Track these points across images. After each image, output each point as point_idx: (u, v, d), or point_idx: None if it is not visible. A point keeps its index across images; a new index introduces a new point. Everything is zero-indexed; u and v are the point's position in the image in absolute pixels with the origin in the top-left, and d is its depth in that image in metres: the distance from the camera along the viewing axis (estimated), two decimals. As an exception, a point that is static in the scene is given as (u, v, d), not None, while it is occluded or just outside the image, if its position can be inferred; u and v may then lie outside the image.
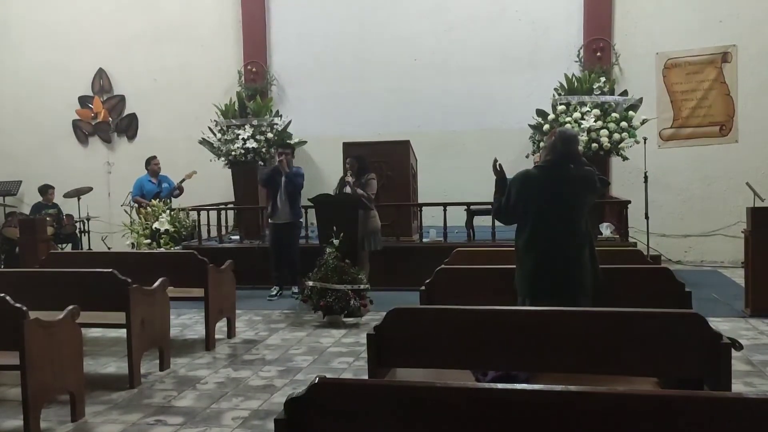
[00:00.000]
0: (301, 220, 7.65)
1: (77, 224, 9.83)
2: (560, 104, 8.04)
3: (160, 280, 4.94)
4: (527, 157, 9.64)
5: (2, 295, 3.61)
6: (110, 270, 4.62)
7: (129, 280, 4.58)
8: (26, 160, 11.45)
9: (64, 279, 4.66)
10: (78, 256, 6.81)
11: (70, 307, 3.92)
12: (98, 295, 4.54)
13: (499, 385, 2.10)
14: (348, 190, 6.94)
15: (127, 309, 4.56)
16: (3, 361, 3.63)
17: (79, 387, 3.97)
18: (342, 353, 5.38)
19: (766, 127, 9.18)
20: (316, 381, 2.03)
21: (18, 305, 3.57)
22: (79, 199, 9.84)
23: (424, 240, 8.19)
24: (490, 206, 7.74)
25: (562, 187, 3.81)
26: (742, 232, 6.51)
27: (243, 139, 8.88)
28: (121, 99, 11.41)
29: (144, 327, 4.68)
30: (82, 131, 11.54)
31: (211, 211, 9.01)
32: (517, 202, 3.85)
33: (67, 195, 9.86)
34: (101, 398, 4.34)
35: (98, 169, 11.42)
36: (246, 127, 9.01)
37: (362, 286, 6.32)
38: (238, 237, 8.96)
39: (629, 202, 7.87)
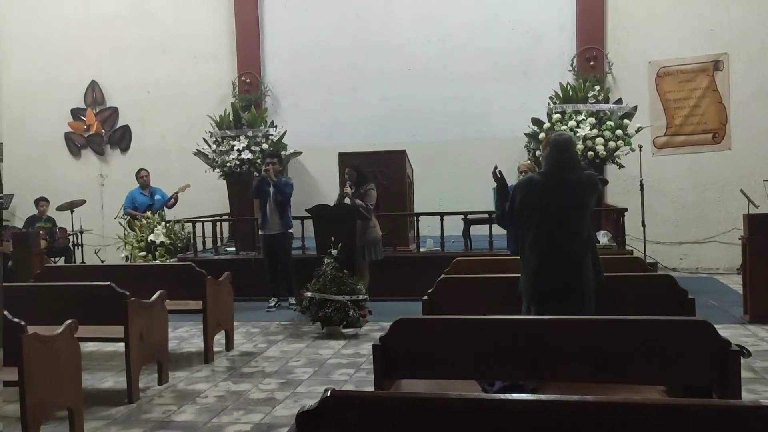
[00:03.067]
0: (291, 230, 7.57)
1: (70, 237, 9.74)
2: (555, 113, 8.06)
3: (158, 292, 4.89)
4: (521, 166, 9.68)
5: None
6: (108, 283, 4.56)
7: (127, 293, 4.52)
8: (18, 173, 11.36)
9: (61, 293, 4.60)
10: (74, 269, 6.71)
11: (69, 321, 3.87)
12: (96, 308, 4.47)
13: (510, 396, 2.08)
14: (347, 201, 6.91)
15: (126, 322, 4.50)
16: (1, 377, 3.56)
17: (77, 403, 3.90)
18: (342, 365, 5.33)
19: (759, 134, 9.23)
20: (328, 394, 2.00)
21: (16, 320, 3.52)
22: (72, 211, 9.77)
23: (422, 250, 8.16)
24: (486, 215, 7.83)
25: (564, 192, 3.86)
26: (739, 238, 6.52)
27: (238, 150, 8.86)
28: (114, 111, 11.36)
29: (143, 340, 4.62)
30: (75, 143, 11.47)
31: (206, 223, 8.97)
32: (521, 207, 3.91)
33: (60, 208, 9.78)
34: (99, 414, 4.27)
35: (91, 181, 11.34)
36: (241, 138, 8.99)
37: (361, 297, 6.29)
38: (233, 248, 8.90)
39: (626, 209, 7.89)
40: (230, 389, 4.78)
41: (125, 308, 4.49)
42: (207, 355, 5.49)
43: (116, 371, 5.19)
